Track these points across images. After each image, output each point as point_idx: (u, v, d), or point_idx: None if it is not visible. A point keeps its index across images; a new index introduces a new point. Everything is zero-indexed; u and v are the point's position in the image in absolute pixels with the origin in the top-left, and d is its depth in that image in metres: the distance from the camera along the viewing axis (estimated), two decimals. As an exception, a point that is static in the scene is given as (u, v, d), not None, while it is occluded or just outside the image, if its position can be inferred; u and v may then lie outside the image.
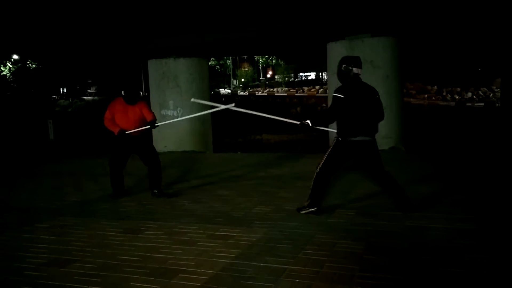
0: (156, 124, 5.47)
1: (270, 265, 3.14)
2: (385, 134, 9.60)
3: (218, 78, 50.00)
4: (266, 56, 54.62)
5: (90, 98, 37.89)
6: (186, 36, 11.59)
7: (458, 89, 35.21)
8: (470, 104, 30.48)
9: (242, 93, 45.51)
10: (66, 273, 3.16)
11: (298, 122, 4.52)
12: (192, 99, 6.11)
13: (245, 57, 55.74)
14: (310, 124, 4.36)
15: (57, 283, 2.98)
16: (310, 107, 30.85)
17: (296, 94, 40.59)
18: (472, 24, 12.08)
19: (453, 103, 31.49)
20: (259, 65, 60.19)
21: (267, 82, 55.33)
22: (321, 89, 39.61)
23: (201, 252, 3.47)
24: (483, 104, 29.73)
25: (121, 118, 5.46)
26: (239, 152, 11.36)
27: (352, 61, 4.34)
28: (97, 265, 3.29)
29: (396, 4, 9.22)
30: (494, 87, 33.61)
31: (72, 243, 3.86)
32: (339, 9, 9.56)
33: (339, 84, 4.38)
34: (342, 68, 4.32)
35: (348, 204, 4.82)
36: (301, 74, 57.30)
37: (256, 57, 56.65)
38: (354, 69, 4.29)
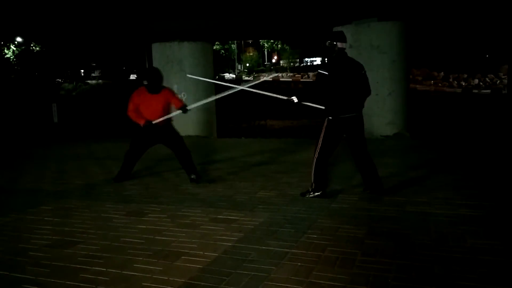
0: (187, 108, 5.39)
1: (272, 248, 3.16)
2: (390, 120, 9.56)
3: (223, 62, 49.70)
4: (272, 41, 54.13)
5: (94, 82, 37.84)
6: (190, 20, 11.48)
7: (465, 76, 34.83)
8: (476, 91, 30.19)
9: (246, 78, 45.27)
10: (70, 254, 3.19)
11: (285, 98, 4.54)
12: (188, 75, 6.09)
13: (250, 41, 55.29)
14: (296, 100, 4.36)
15: (61, 264, 3.01)
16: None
17: (301, 80, 40.31)
18: (480, 9, 11.87)
19: (459, 90, 31.20)
20: (264, 50, 59.72)
21: (272, 67, 54.96)
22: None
23: (203, 235, 3.49)
24: (489, 91, 29.43)
25: (146, 108, 5.32)
26: (243, 138, 11.35)
27: (336, 36, 4.28)
28: (101, 246, 3.32)
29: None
30: (501, 74, 33.21)
31: (76, 225, 3.89)
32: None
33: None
34: (327, 44, 4.27)
35: (351, 190, 4.82)
36: (306, 59, 56.82)
37: (261, 42, 56.15)
38: (338, 43, 4.24)
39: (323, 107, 4.39)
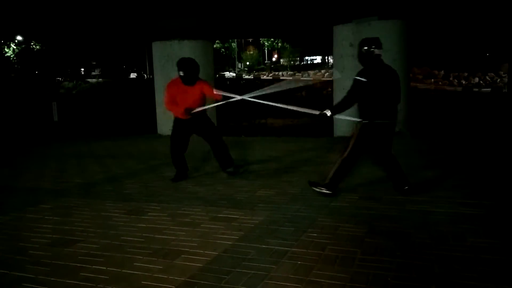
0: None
1: (272, 247, 3.16)
2: (390, 119, 9.56)
3: (223, 61, 49.66)
4: (272, 39, 54.06)
5: (94, 80, 37.83)
6: (190, 18, 11.45)
7: (465, 74, 34.74)
8: (477, 90, 30.12)
9: (247, 77, 45.25)
10: (70, 253, 3.19)
11: (317, 112, 4.40)
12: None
13: (250, 40, 55.23)
14: (330, 114, 4.26)
15: (62, 262, 3.01)
16: (315, 91, 30.60)
17: (301, 78, 40.20)
18: (480, 8, 11.84)
19: (460, 88, 31.13)
20: (265, 48, 59.66)
21: (272, 66, 54.91)
22: (327, 73, 39.19)
23: (203, 234, 3.49)
24: (490, 89, 29.37)
25: (182, 100, 5.25)
26: (243, 136, 11.34)
27: (372, 42, 4.22)
28: (101, 245, 3.32)
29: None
30: (502, 72, 33.14)
31: (76, 224, 3.89)
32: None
33: (354, 67, 4.31)
34: (363, 50, 4.21)
35: (351, 188, 4.81)
36: (306, 57, 56.76)
37: (261, 40, 56.10)
38: (375, 50, 4.18)
39: (357, 119, 4.34)
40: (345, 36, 9.69)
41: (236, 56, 54.80)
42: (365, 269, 2.76)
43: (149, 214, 4.13)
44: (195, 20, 11.61)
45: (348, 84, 10.35)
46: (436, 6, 11.22)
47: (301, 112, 4.75)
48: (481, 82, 33.09)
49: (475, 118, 13.50)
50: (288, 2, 10.86)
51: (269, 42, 56.34)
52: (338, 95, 9.63)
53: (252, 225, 3.65)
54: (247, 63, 55.46)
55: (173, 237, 3.43)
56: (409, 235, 3.31)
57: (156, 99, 11.45)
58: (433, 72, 35.84)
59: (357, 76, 4.16)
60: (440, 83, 33.52)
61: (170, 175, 5.81)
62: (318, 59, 56.12)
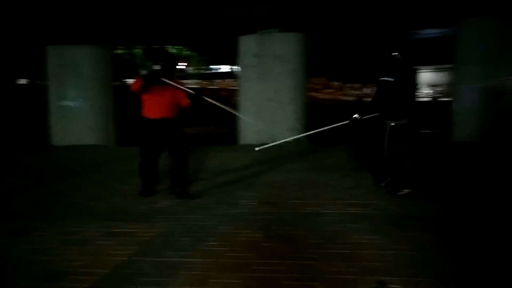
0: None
1: (168, 259, 3.10)
2: (291, 126, 10.00)
3: (128, 68, 47.71)
4: (179, 47, 53.33)
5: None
6: (88, 23, 10.84)
7: (358, 86, 37.99)
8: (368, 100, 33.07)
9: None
10: None
11: (347, 121, 4.72)
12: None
13: (155, 47, 53.88)
14: (359, 117, 4.61)
15: None
16: (222, 99, 30.71)
17: (208, 87, 40.24)
18: (372, 26, 13.07)
19: (354, 98, 33.89)
20: (171, 56, 58.67)
21: (179, 74, 54.15)
22: (234, 82, 39.79)
23: (94, 251, 3.29)
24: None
25: (153, 100, 4.56)
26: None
27: (395, 47, 4.61)
28: (-27, 272, 2.95)
29: (306, 1, 9.58)
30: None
31: None
32: (251, 4, 9.67)
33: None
34: (386, 55, 4.58)
35: (252, 195, 4.92)
36: (211, 66, 56.98)
37: (168, 48, 55.04)
38: (398, 54, 4.55)
39: (381, 119, 4.61)
40: (250, 46, 9.97)
41: (140, 63, 52.97)
42: (259, 273, 2.84)
43: (34, 233, 3.78)
44: (93, 26, 11.01)
45: (252, 94, 10.61)
46: (333, 22, 12.08)
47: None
48: (372, 92, 36.44)
49: (365, 125, 14.79)
50: (193, 11, 10.83)
51: (176, 50, 55.54)
52: (243, 104, 9.86)
53: (149, 238, 3.55)
54: (153, 70, 53.90)
55: (60, 258, 3.17)
56: (301, 236, 3.50)
57: (49, 107, 10.59)
58: (331, 83, 38.53)
59: (384, 77, 4.47)
60: (337, 93, 36.13)
61: (62, 190, 5.38)
62: (224, 68, 56.70)
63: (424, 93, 33.66)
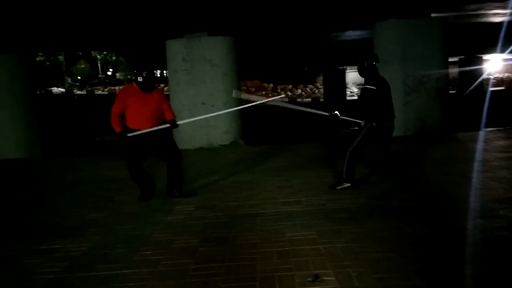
0: (177, 123, 4.73)
1: (101, 273, 2.98)
2: (225, 130, 10.04)
3: (50, 75, 44.86)
4: (105, 53, 51.24)
5: None
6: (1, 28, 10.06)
7: (290, 86, 39.08)
8: (300, 100, 34.10)
9: (79, 92, 41.88)
10: None
11: (327, 114, 4.98)
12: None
13: (80, 53, 51.30)
14: (339, 115, 4.87)
15: None
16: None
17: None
18: (298, 27, 13.52)
19: (287, 99, 34.77)
20: (98, 62, 56.17)
21: (107, 80, 52.05)
22: (166, 87, 39.07)
23: (20, 271, 3.08)
24: (310, 99, 33.61)
25: (137, 110, 4.53)
26: (75, 157, 10.44)
27: (374, 57, 4.87)
28: None
29: (231, 5, 9.65)
30: (318, 84, 38.39)
31: None
32: (176, 7, 9.55)
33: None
34: (366, 64, 4.78)
35: (188, 200, 4.88)
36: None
37: (93, 53, 52.66)
38: (376, 64, 4.80)
39: (360, 121, 4.86)
40: (178, 50, 9.85)
41: (64, 70, 50.15)
42: (197, 278, 2.83)
43: None
44: (8, 32, 10.23)
45: (184, 98, 10.45)
46: (259, 25, 12.31)
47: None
48: (303, 93, 37.67)
49: (298, 125, 15.28)
50: (118, 14, 10.45)
51: (102, 56, 53.28)
52: (176, 108, 9.70)
53: (80, 253, 3.39)
54: (78, 77, 51.35)
55: (-21, 282, 2.94)
56: (237, 238, 3.54)
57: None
58: (263, 85, 39.24)
59: (367, 85, 4.74)
60: (269, 95, 36.85)
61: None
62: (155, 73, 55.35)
63: (350, 92, 35.60)
